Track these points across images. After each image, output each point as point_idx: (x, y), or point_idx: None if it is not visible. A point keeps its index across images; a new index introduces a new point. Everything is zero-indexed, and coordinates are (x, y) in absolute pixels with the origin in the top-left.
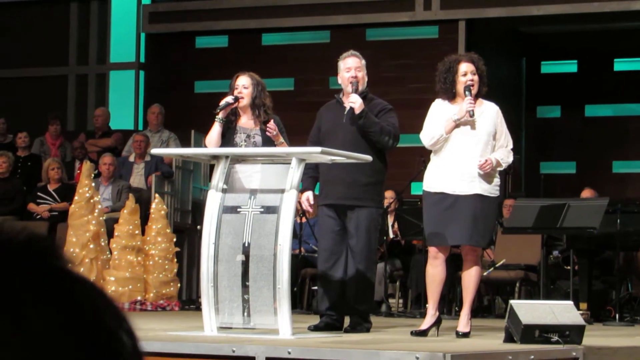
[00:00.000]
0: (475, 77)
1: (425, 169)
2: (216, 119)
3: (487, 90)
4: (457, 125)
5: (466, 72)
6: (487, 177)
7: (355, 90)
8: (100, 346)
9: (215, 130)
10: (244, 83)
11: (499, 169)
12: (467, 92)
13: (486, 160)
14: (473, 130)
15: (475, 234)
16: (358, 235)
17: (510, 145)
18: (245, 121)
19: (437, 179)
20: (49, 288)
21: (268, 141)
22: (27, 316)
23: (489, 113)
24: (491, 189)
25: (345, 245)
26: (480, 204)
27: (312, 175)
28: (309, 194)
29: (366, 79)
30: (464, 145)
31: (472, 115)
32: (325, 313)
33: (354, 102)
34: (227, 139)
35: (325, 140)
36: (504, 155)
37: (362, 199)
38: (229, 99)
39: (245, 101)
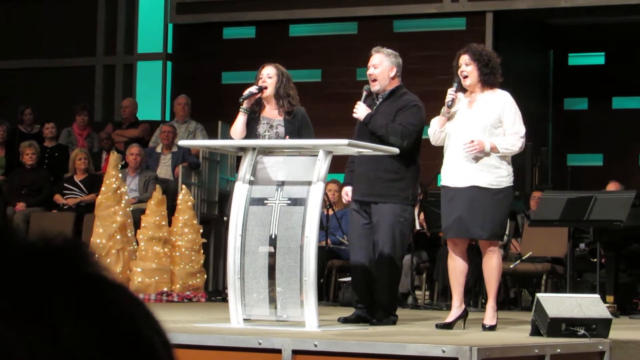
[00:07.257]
0: (469, 68)
1: None
2: (240, 109)
3: (502, 80)
4: (449, 118)
5: (460, 64)
6: (488, 168)
7: (368, 93)
8: (135, 356)
9: (240, 120)
10: (268, 72)
11: (496, 154)
12: (454, 84)
13: (471, 141)
14: (473, 122)
15: (473, 227)
16: (381, 230)
17: (521, 133)
18: (269, 111)
19: (443, 172)
20: (83, 299)
21: (291, 132)
22: (61, 332)
23: (495, 102)
24: (494, 180)
25: (372, 239)
26: (477, 195)
27: (352, 169)
28: (348, 189)
29: (391, 74)
30: (462, 138)
31: (449, 107)
32: (357, 306)
33: (355, 112)
34: (250, 128)
35: (360, 134)
36: (508, 141)
37: (384, 196)
38: (252, 88)
39: (269, 91)
